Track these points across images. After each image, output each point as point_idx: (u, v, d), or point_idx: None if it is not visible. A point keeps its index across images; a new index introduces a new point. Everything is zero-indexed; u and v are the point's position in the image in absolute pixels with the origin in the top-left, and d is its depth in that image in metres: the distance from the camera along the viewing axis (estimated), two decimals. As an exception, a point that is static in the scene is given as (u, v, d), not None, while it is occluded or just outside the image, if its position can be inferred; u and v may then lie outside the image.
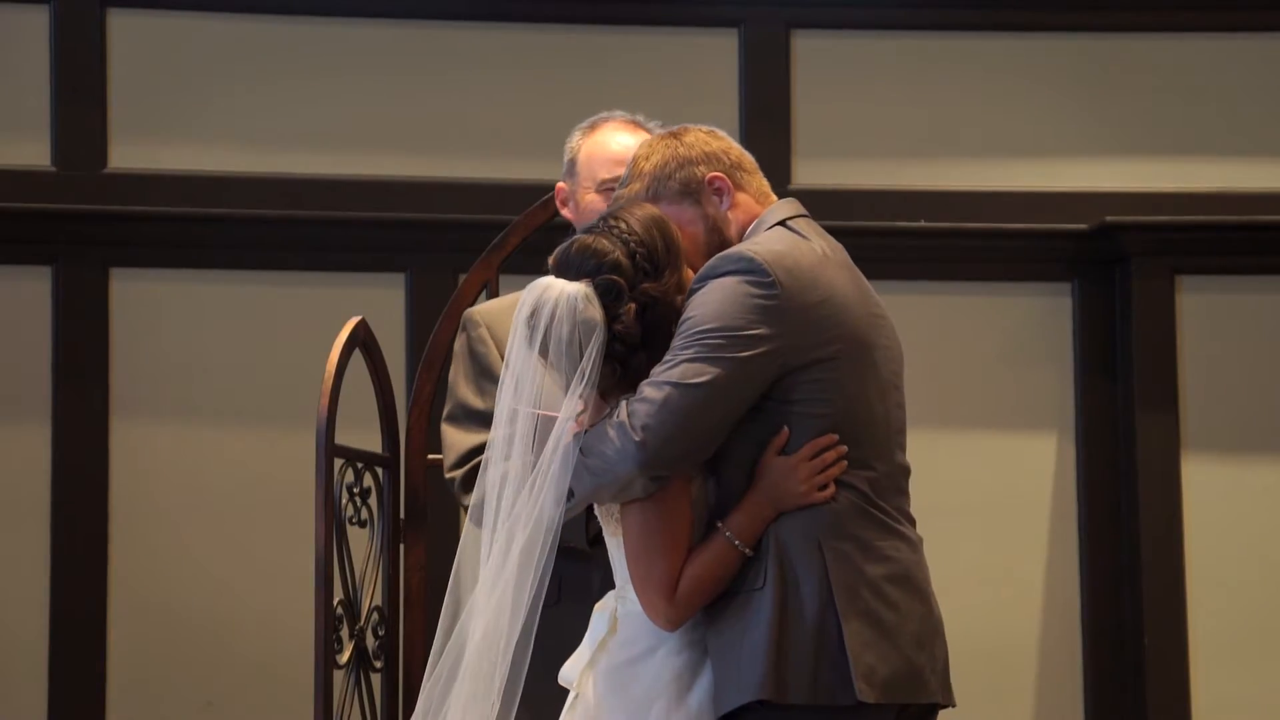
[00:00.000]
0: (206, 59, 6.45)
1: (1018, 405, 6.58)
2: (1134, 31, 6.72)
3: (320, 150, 6.45)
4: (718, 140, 3.69)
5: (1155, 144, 6.71)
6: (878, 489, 3.52)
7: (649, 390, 3.37)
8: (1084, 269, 6.62)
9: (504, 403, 3.43)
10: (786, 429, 3.45)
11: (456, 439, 4.00)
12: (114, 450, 6.27)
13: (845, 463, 3.47)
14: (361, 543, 4.63)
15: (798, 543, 3.45)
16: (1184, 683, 6.43)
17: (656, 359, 3.40)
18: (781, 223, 3.61)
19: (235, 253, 6.36)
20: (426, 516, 4.66)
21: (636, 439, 3.35)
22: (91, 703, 6.18)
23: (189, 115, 6.43)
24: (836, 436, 3.47)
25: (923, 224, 6.59)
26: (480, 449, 3.76)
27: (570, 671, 3.53)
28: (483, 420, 3.77)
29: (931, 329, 6.53)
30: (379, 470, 4.68)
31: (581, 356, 3.35)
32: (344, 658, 4.45)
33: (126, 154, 6.40)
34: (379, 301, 6.22)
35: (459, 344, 4.12)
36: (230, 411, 6.32)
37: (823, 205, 6.43)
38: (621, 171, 3.82)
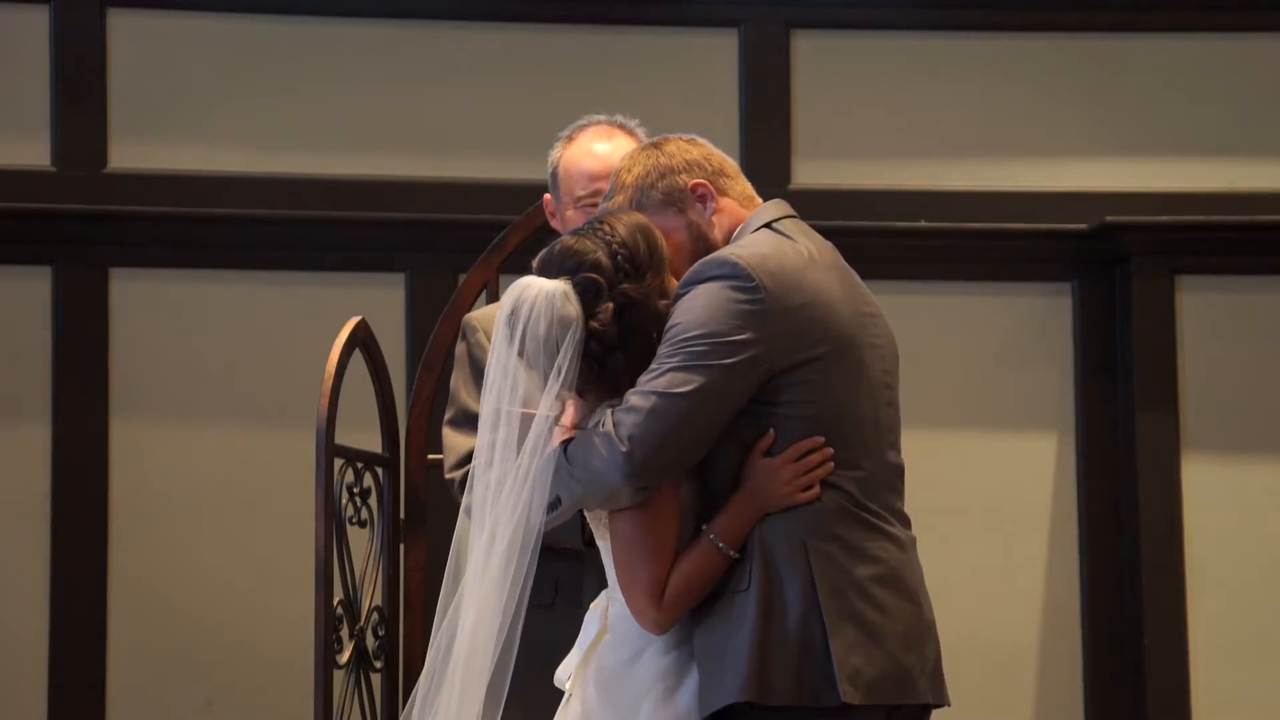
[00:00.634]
0: (206, 59, 6.45)
1: (1018, 405, 6.58)
2: (1134, 31, 6.72)
3: (320, 150, 6.45)
4: (697, 147, 3.69)
5: (1155, 144, 6.71)
6: (865, 489, 3.52)
7: (635, 399, 3.38)
8: (1084, 269, 6.62)
9: (488, 403, 3.45)
10: (772, 431, 3.45)
11: (457, 441, 4.02)
12: (114, 450, 6.27)
13: (831, 465, 3.47)
14: (361, 543, 4.63)
15: (782, 544, 3.45)
16: (1184, 683, 6.43)
17: (634, 360, 3.42)
18: (768, 225, 3.61)
19: (235, 253, 6.36)
20: (426, 516, 4.66)
21: (623, 449, 3.35)
22: (91, 703, 6.18)
23: (189, 115, 6.43)
24: (822, 439, 3.47)
25: (923, 224, 6.59)
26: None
27: (564, 673, 3.54)
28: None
29: (931, 329, 6.53)
30: (379, 470, 4.68)
31: (558, 353, 3.37)
32: (344, 658, 4.46)
33: (126, 154, 6.40)
34: (379, 301, 6.22)
35: (459, 350, 4.14)
36: (230, 411, 6.32)
37: (823, 205, 6.46)
38: (597, 186, 3.83)
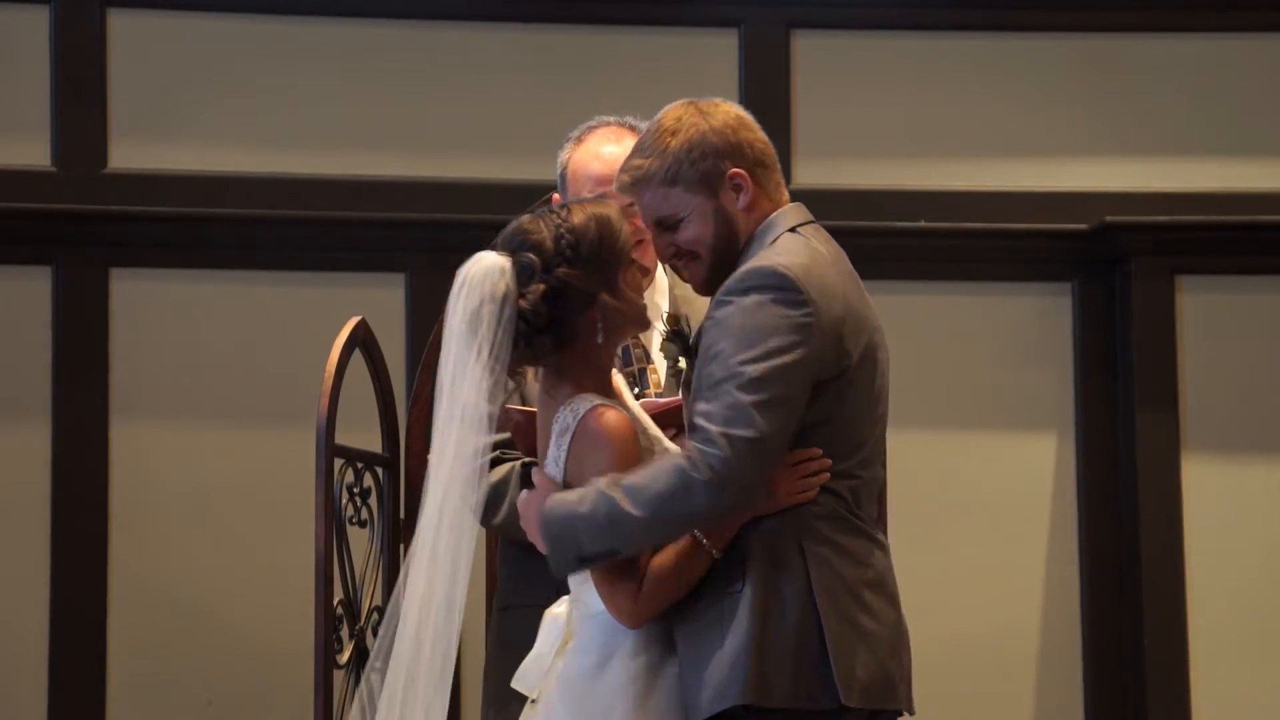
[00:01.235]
0: (206, 59, 6.45)
1: (1018, 405, 6.58)
2: (1134, 31, 6.72)
3: (320, 150, 6.45)
4: (746, 130, 3.66)
5: (1155, 144, 6.71)
6: (858, 497, 3.52)
7: (710, 431, 3.34)
8: (1084, 269, 6.62)
9: (440, 375, 3.47)
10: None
11: None
12: (114, 450, 6.26)
13: (827, 474, 3.47)
14: (361, 543, 4.63)
15: (779, 545, 3.44)
16: (1184, 683, 6.43)
17: (563, 345, 3.42)
18: (792, 229, 3.59)
19: (235, 253, 6.36)
20: (426, 516, 4.65)
21: (715, 490, 3.32)
22: (91, 702, 6.18)
23: (189, 115, 6.43)
24: (820, 451, 3.47)
25: (923, 224, 6.59)
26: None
27: (529, 677, 3.52)
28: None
29: (931, 329, 6.53)
30: (379, 470, 4.68)
31: (482, 327, 3.40)
32: (344, 658, 4.46)
33: (126, 154, 6.39)
34: (379, 301, 6.22)
35: None
36: (230, 411, 6.31)
37: (823, 205, 6.41)
38: (604, 190, 3.82)
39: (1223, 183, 6.69)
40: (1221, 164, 6.70)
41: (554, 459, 3.44)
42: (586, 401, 3.43)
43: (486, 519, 3.91)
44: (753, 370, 3.37)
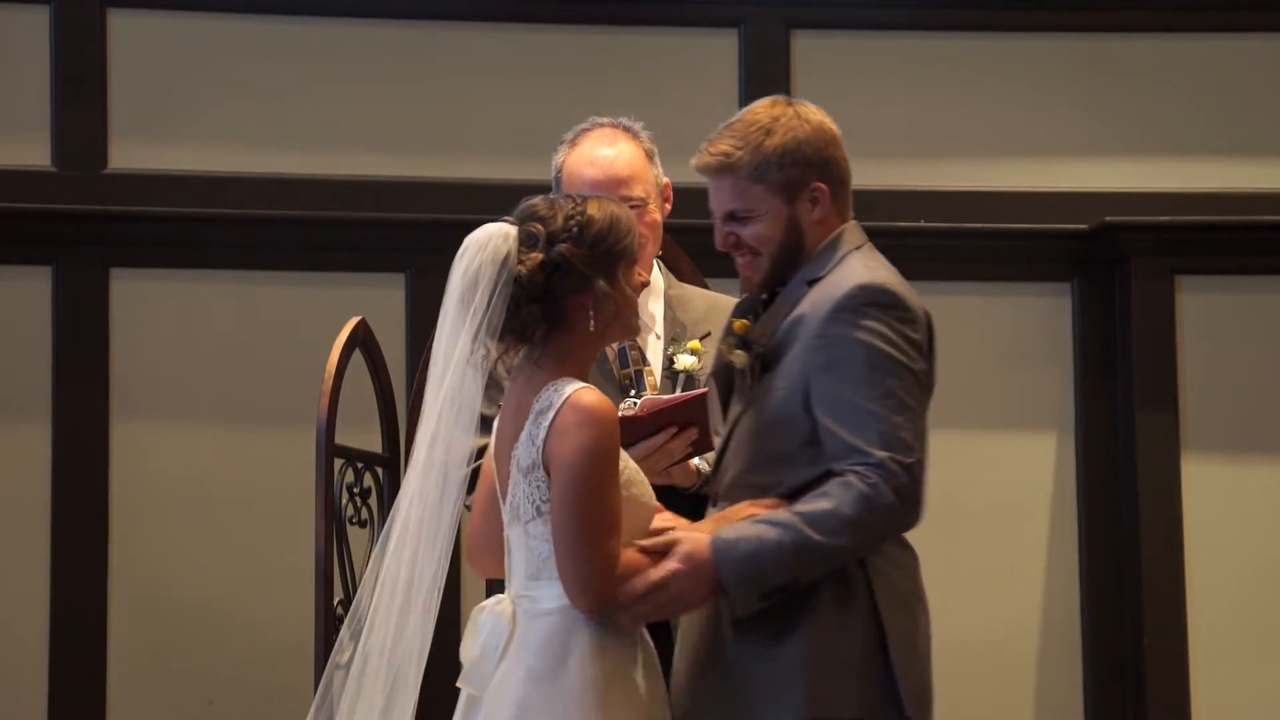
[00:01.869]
0: (206, 59, 6.45)
1: (1018, 405, 6.58)
2: (1134, 31, 6.72)
3: (320, 150, 6.45)
4: (834, 146, 3.69)
5: (1155, 144, 6.71)
6: None
7: (884, 459, 3.41)
8: (1084, 269, 6.62)
9: (438, 348, 3.49)
10: None
11: None
12: (114, 450, 6.26)
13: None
14: (361, 543, 4.63)
15: None
16: (1184, 683, 6.43)
17: (552, 324, 3.45)
18: (857, 247, 3.66)
19: (235, 253, 6.36)
20: (426, 516, 4.64)
21: (906, 517, 3.44)
22: (91, 702, 6.18)
23: (189, 115, 6.43)
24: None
25: (922, 224, 6.59)
26: (483, 451, 3.78)
27: (475, 678, 3.49)
28: (487, 425, 3.78)
29: (931, 329, 6.53)
30: (379, 470, 4.68)
31: (478, 289, 3.44)
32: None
33: (126, 154, 6.39)
34: (379, 301, 6.21)
35: None
36: (230, 411, 6.31)
37: (823, 205, 6.46)
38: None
39: (1223, 183, 6.69)
40: (1221, 164, 6.70)
41: (530, 437, 3.44)
42: (572, 384, 3.45)
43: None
44: (898, 391, 3.46)
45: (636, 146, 4.30)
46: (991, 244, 6.60)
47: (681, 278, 4.99)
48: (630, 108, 6.50)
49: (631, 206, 3.95)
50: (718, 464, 3.71)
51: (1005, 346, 6.60)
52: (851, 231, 3.68)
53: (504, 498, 3.48)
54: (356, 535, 4.62)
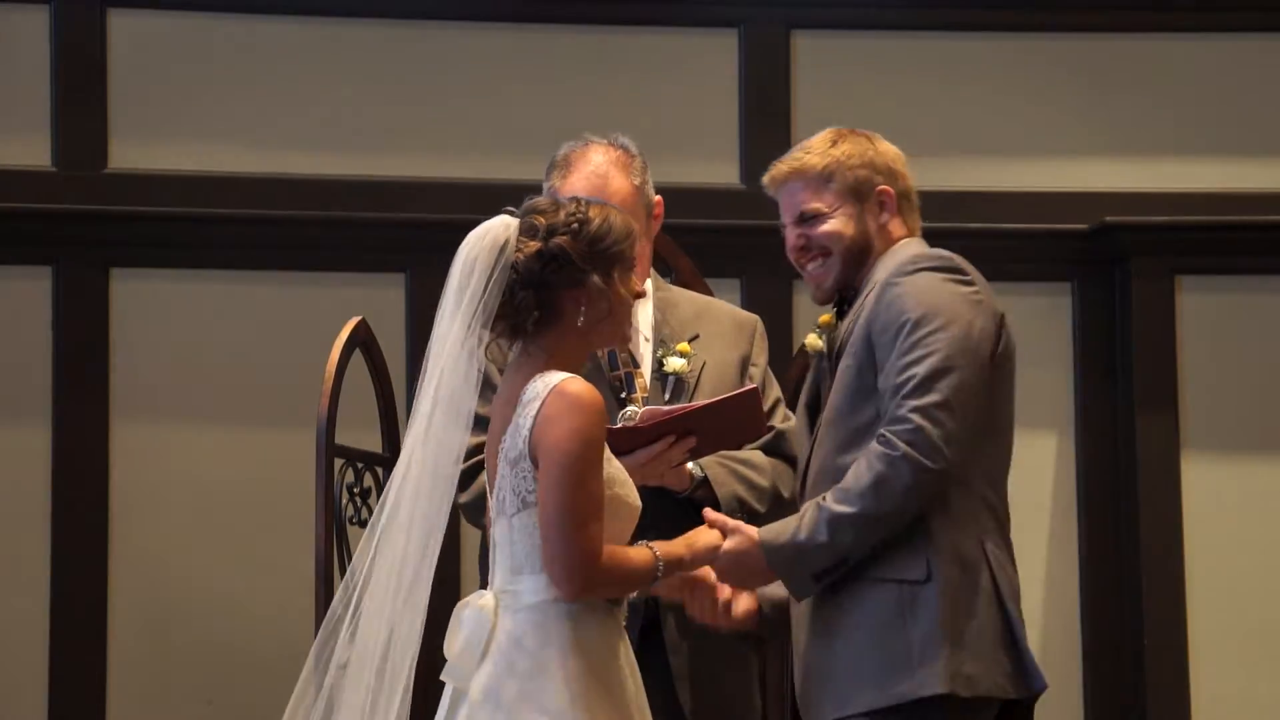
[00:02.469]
0: (206, 59, 6.45)
1: (1017, 405, 6.55)
2: (1134, 31, 6.72)
3: (320, 150, 6.45)
4: (901, 165, 3.86)
5: (1155, 144, 6.71)
6: (1005, 478, 3.69)
7: (919, 401, 3.49)
8: (1084, 269, 6.62)
9: (434, 335, 3.54)
10: None
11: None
12: (114, 450, 6.26)
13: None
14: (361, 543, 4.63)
15: (962, 542, 3.55)
16: (1184, 683, 6.43)
17: (545, 315, 3.50)
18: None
19: (235, 253, 6.36)
20: (426, 516, 4.64)
21: (921, 462, 3.49)
22: (91, 703, 6.18)
23: (189, 115, 6.42)
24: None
25: (922, 224, 6.58)
26: (478, 449, 3.78)
27: (458, 672, 3.51)
28: (482, 425, 3.79)
29: (931, 329, 6.53)
30: (379, 470, 4.68)
31: (474, 275, 3.50)
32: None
33: (126, 154, 6.39)
34: (379, 301, 6.21)
35: None
36: (230, 411, 6.31)
37: (823, 205, 6.45)
38: None
39: (1223, 183, 6.68)
40: (1221, 164, 6.70)
41: (517, 427, 3.47)
42: (559, 374, 3.49)
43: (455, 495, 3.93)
44: (942, 333, 3.54)
45: (627, 181, 4.31)
46: (991, 244, 6.58)
47: (681, 277, 4.99)
48: (630, 108, 6.52)
49: None
50: (807, 461, 3.78)
51: (1005, 346, 6.60)
52: (915, 243, 3.83)
53: (492, 493, 3.50)
54: (356, 535, 4.62)
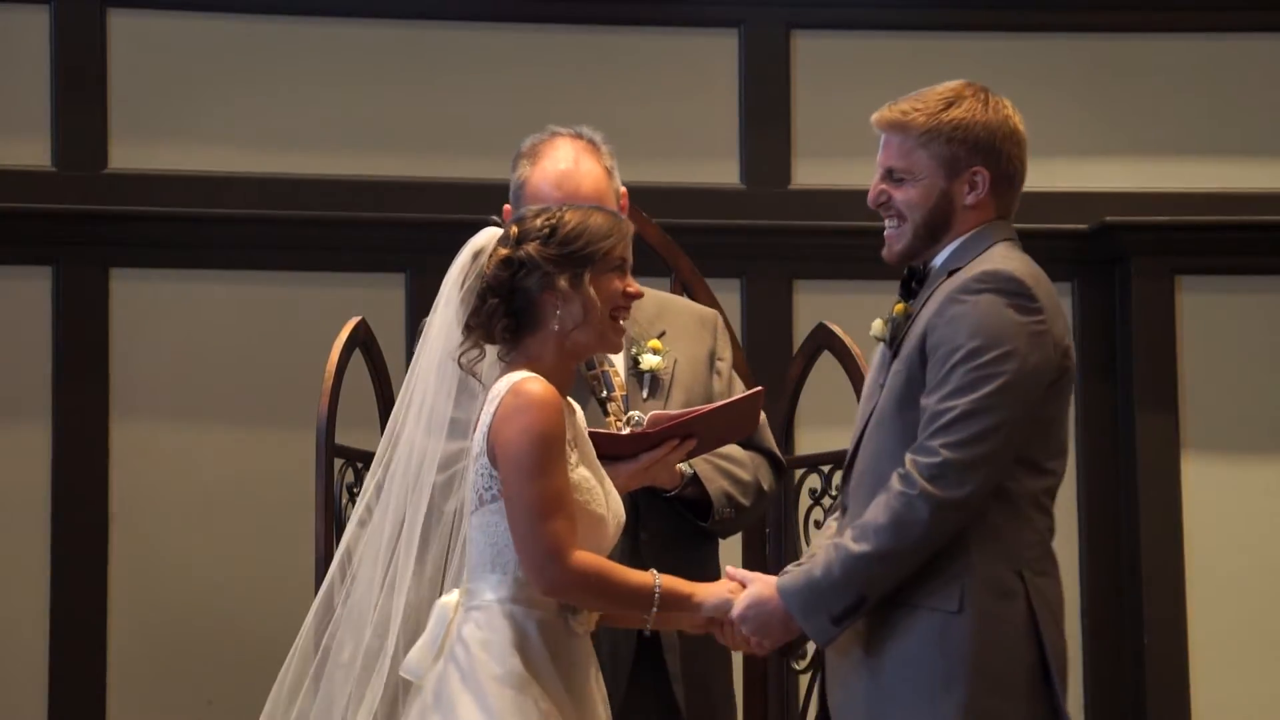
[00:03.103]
0: (206, 59, 6.45)
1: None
2: (1134, 31, 6.72)
3: (320, 150, 6.45)
4: (1012, 143, 3.68)
5: (1155, 144, 6.71)
6: (1053, 496, 3.61)
7: (945, 452, 3.39)
8: (1084, 269, 6.62)
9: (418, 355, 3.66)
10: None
11: None
12: (114, 450, 6.26)
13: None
14: (361, 543, 4.62)
15: (1004, 571, 3.48)
16: (1184, 683, 6.43)
17: (519, 321, 3.53)
18: (1005, 240, 3.62)
19: (235, 253, 6.36)
20: (426, 516, 4.64)
21: (941, 505, 3.40)
22: (91, 703, 6.18)
23: (189, 115, 6.43)
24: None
25: (923, 224, 6.58)
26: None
27: (414, 666, 3.53)
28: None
29: (931, 329, 6.53)
30: (379, 470, 4.67)
31: (458, 279, 3.58)
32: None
33: (126, 154, 6.39)
34: (379, 301, 6.21)
35: None
36: (230, 411, 6.31)
37: (823, 205, 6.45)
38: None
39: (1223, 183, 6.69)
40: (1221, 164, 6.70)
41: (481, 426, 3.51)
42: (521, 374, 3.51)
43: None
44: (993, 366, 3.42)
45: (598, 164, 4.30)
46: (991, 244, 6.60)
47: (681, 277, 4.99)
48: (631, 107, 6.52)
49: None
50: (850, 462, 3.71)
51: (1005, 346, 6.60)
52: (1001, 227, 3.65)
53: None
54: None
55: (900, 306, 3.65)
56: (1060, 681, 3.49)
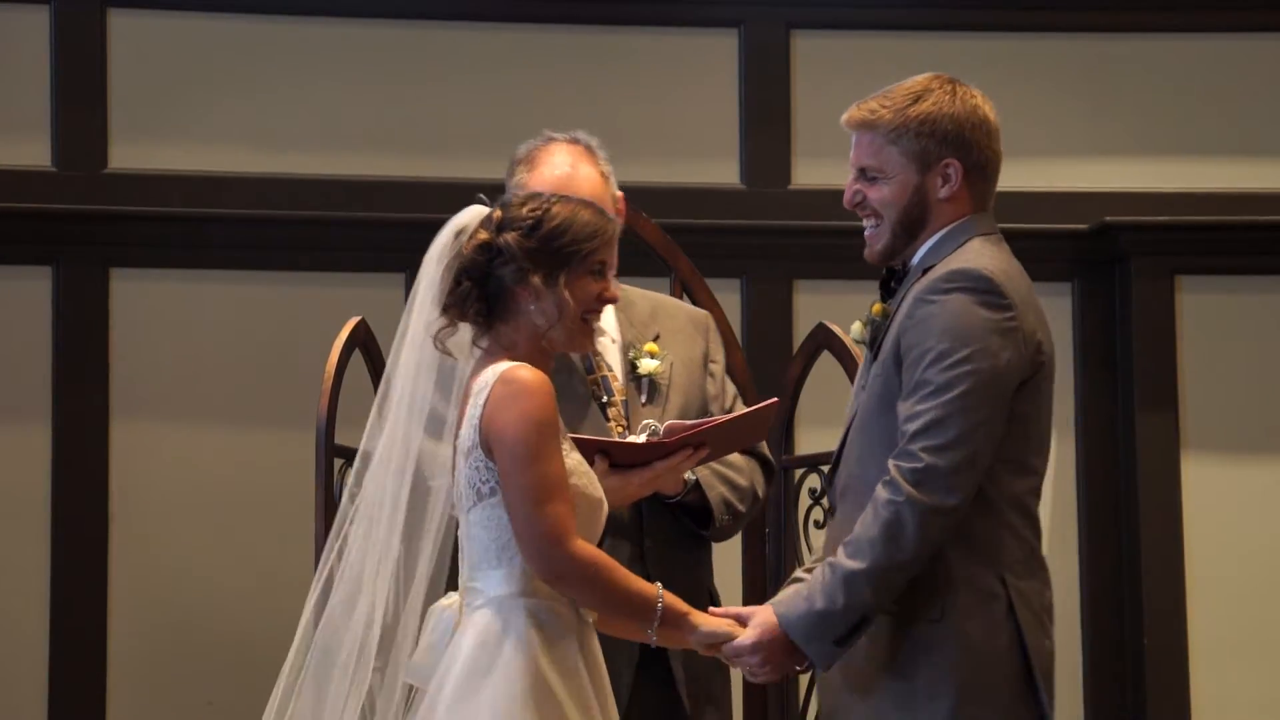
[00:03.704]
0: (206, 59, 6.45)
1: (1018, 405, 6.58)
2: (1134, 31, 6.72)
3: (320, 150, 6.45)
4: (982, 133, 3.70)
5: (1155, 144, 6.71)
6: (1037, 496, 3.59)
7: (916, 449, 3.37)
8: (1084, 269, 6.62)
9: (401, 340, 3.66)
10: None
11: None
12: (114, 450, 6.27)
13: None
14: (361, 543, 4.62)
15: (984, 576, 3.46)
16: (1184, 683, 6.43)
17: (492, 307, 3.51)
18: (984, 235, 3.62)
19: (235, 253, 6.36)
20: (426, 516, 4.64)
21: (931, 507, 3.36)
22: (91, 703, 6.18)
23: (189, 115, 6.43)
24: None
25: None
26: None
27: (420, 670, 3.52)
28: None
29: (931, 329, 6.53)
30: (378, 470, 4.67)
31: (440, 258, 3.60)
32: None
33: (126, 154, 6.40)
34: (379, 301, 6.20)
35: None
36: (230, 411, 6.31)
37: (823, 205, 6.45)
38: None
39: (1223, 183, 6.69)
40: (1221, 164, 6.70)
41: (469, 419, 3.48)
42: (507, 363, 3.49)
43: None
44: (963, 367, 3.40)
45: (595, 169, 4.28)
46: (991, 244, 6.60)
47: (681, 277, 4.99)
48: (630, 108, 6.53)
49: None
50: (835, 465, 3.70)
51: (1005, 346, 6.60)
52: (981, 220, 3.65)
53: (455, 490, 3.52)
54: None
55: (878, 307, 3.64)
56: (1045, 687, 3.46)
